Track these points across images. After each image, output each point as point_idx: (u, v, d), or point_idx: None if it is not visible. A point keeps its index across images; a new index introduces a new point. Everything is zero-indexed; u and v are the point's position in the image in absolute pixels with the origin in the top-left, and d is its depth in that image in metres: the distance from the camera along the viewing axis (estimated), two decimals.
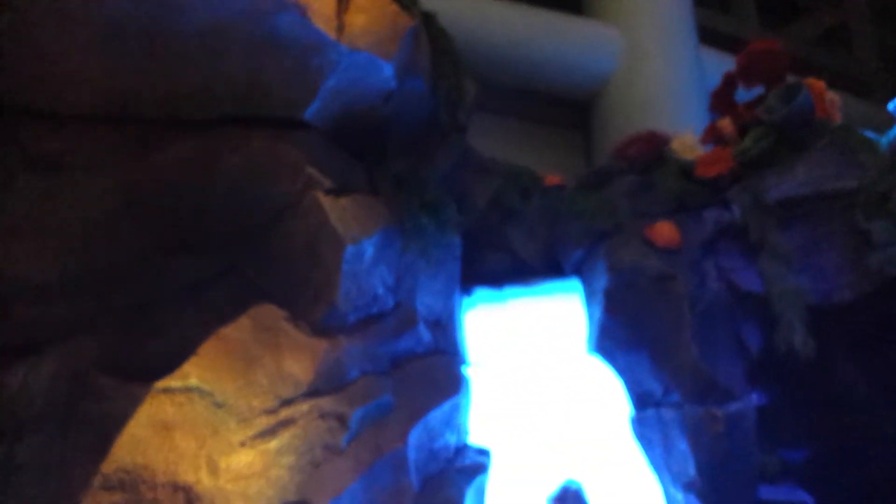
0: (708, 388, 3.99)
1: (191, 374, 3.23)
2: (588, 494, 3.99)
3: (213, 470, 3.14)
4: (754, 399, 4.10)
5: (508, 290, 4.61)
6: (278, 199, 3.47)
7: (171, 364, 3.24)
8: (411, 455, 3.66)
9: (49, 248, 3.28)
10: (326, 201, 3.51)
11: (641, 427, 4.07)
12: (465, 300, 4.59)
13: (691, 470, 3.89)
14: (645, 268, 4.21)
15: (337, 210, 3.55)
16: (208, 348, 3.31)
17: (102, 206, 3.40)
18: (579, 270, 4.58)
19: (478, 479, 3.89)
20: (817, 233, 4.26)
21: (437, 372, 3.96)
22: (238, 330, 3.39)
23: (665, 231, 4.30)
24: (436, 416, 3.84)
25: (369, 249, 3.65)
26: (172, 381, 3.20)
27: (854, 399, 4.31)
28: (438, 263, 4.17)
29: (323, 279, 3.53)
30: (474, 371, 4.22)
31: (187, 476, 3.10)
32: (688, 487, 3.87)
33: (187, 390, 3.21)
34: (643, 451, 4.06)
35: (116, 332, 3.30)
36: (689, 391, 4.00)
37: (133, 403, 3.15)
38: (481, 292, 4.61)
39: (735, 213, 4.41)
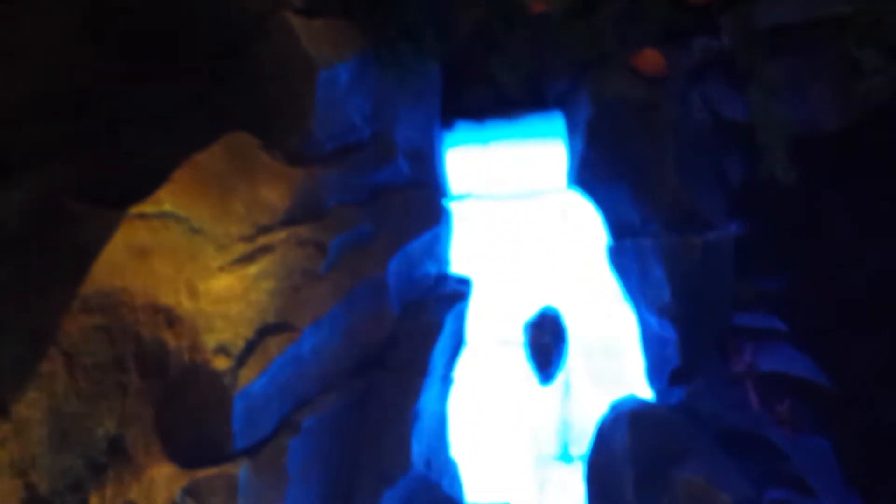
0: (687, 217, 4.01)
1: (165, 200, 3.21)
2: (565, 320, 4.10)
3: (193, 293, 3.18)
4: (733, 228, 4.12)
5: (490, 124, 4.53)
6: (247, 18, 3.33)
7: (144, 190, 3.21)
8: (391, 282, 3.72)
9: (14, 72, 3.18)
10: (297, 22, 3.37)
11: (619, 256, 4.12)
12: (447, 135, 4.52)
13: (666, 296, 3.97)
14: (629, 97, 4.11)
15: (309, 32, 3.41)
16: (182, 175, 3.27)
17: (65, 29, 3.27)
18: (563, 103, 4.48)
19: (458, 306, 3.97)
20: (806, 62, 4.14)
21: (417, 203, 3.96)
22: (211, 157, 3.34)
23: (651, 58, 4.17)
24: (415, 245, 3.88)
25: (344, 75, 3.55)
26: (147, 207, 3.18)
27: (832, 230, 4.34)
28: (417, 94, 4.07)
29: (296, 106, 3.44)
30: (454, 204, 4.22)
31: (167, 299, 3.15)
32: (662, 312, 3.96)
33: (162, 216, 3.20)
34: (619, 280, 4.13)
35: (88, 159, 3.25)
36: (669, 220, 4.01)
37: (108, 229, 3.14)
38: (463, 126, 4.53)
39: (724, 41, 4.26)
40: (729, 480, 3.68)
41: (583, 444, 4.03)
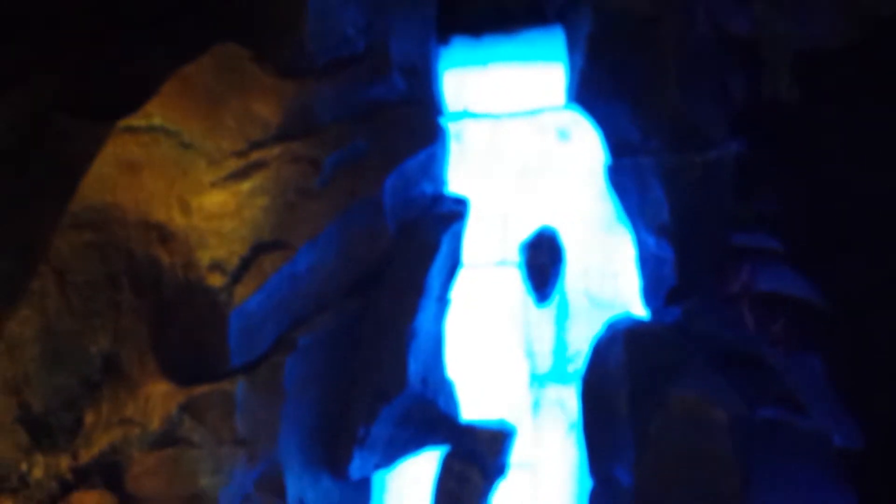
0: (688, 135, 3.93)
1: (154, 113, 3.13)
2: (562, 240, 4.07)
3: (185, 209, 3.13)
4: (734, 147, 4.05)
5: (488, 40, 4.40)
6: None
7: (132, 104, 3.13)
8: (387, 201, 3.66)
9: None
10: None
11: (617, 175, 4.06)
12: (443, 51, 4.39)
13: (665, 215, 3.92)
14: (632, 10, 3.98)
15: None
16: (171, 88, 3.18)
17: None
18: (563, 17, 4.35)
19: (454, 226, 3.93)
20: None
21: (413, 121, 3.87)
22: (201, 70, 3.25)
23: None
24: (411, 164, 3.80)
25: None
26: (135, 121, 3.10)
27: (834, 150, 4.29)
28: (412, 6, 3.94)
29: (288, 15, 3.33)
30: (451, 123, 4.13)
31: (159, 215, 3.10)
32: (660, 232, 3.93)
33: (151, 130, 3.12)
34: (617, 199, 4.08)
35: (74, 71, 3.16)
36: (669, 138, 3.94)
37: (96, 143, 3.08)
38: (459, 42, 4.39)
39: None
40: (723, 397, 3.71)
41: (578, 363, 4.05)
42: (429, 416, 4.00)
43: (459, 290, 4.06)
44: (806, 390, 3.92)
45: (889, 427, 3.77)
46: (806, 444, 3.81)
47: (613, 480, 3.87)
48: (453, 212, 3.98)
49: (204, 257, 3.12)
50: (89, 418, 3.21)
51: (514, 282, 4.09)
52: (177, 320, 3.23)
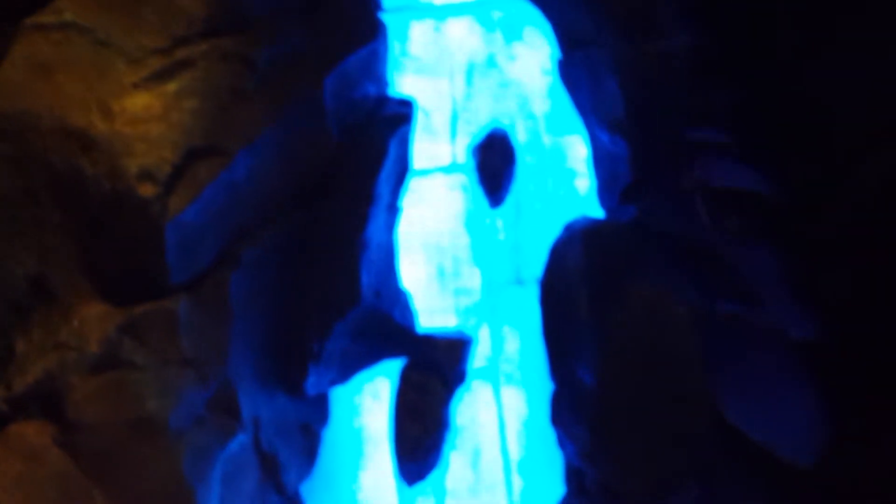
0: (642, 26, 3.77)
1: (65, 9, 2.85)
2: (515, 140, 3.93)
3: (107, 114, 2.87)
4: (687, 37, 3.92)
5: None
6: None
7: None
8: (328, 102, 3.44)
9: None
10: None
11: (569, 69, 3.89)
12: None
13: (619, 110, 3.79)
14: None
15: None
16: None
17: None
18: None
19: (401, 130, 3.73)
20: None
21: (351, 15, 3.60)
22: None
23: None
24: (352, 62, 3.57)
25: None
26: (44, 17, 2.82)
27: (786, 42, 4.20)
28: None
29: None
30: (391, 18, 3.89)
31: (78, 121, 2.84)
32: (614, 127, 3.81)
33: (63, 27, 2.84)
34: (569, 95, 3.93)
35: None
36: (622, 29, 3.77)
37: (2, 45, 2.79)
38: None
39: None
40: (682, 293, 3.68)
41: (536, 266, 3.96)
42: (384, 329, 3.88)
43: (409, 198, 3.92)
44: (761, 284, 3.91)
45: (842, 318, 3.79)
46: (763, 338, 3.82)
47: (575, 382, 3.85)
48: (399, 114, 3.78)
49: (131, 165, 2.87)
50: (20, 346, 3.01)
51: (466, 186, 3.96)
52: (108, 237, 3.00)
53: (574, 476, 4.05)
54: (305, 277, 3.60)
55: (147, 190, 2.88)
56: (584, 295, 3.70)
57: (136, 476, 2.96)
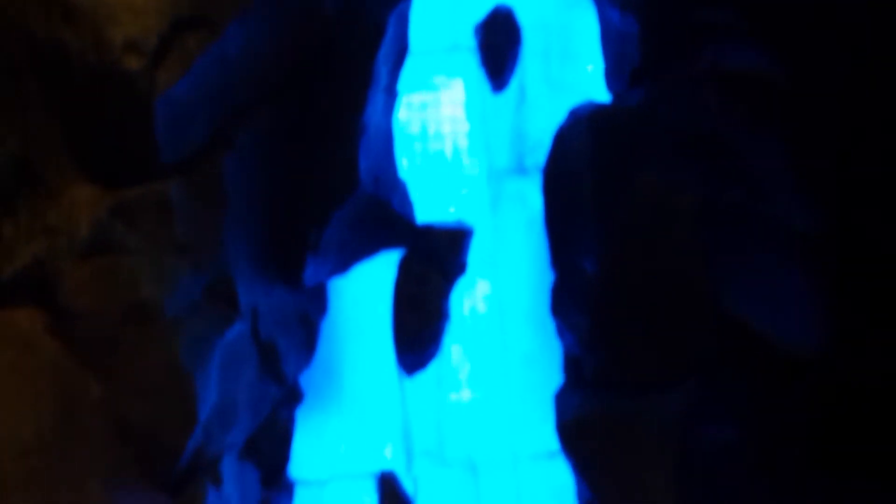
0: None
1: None
2: (520, 19, 3.73)
3: None
4: None
5: None
6: None
7: None
8: None
9: None
10: None
11: None
12: None
13: None
14: None
15: None
16: None
17: None
18: None
19: (400, 6, 3.50)
20: None
21: None
22: None
23: None
24: None
25: None
26: None
27: None
28: None
29: None
30: None
31: None
32: (625, 5, 3.62)
33: None
34: None
35: None
36: None
37: None
38: None
39: None
40: (689, 182, 3.59)
41: (539, 154, 3.83)
42: (383, 218, 3.76)
43: (408, 80, 3.74)
44: (767, 174, 3.82)
45: (847, 212, 3.72)
46: (767, 230, 3.75)
47: (577, 272, 3.79)
48: None
49: (116, 36, 2.68)
50: (7, 230, 2.89)
51: (468, 68, 3.78)
52: (95, 114, 2.84)
53: (572, 366, 4.04)
54: (302, 163, 3.46)
55: (133, 62, 2.71)
56: (588, 182, 3.60)
57: (132, 364, 2.90)
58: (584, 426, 3.84)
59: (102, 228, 2.86)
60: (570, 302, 3.92)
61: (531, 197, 3.85)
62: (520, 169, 3.93)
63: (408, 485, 4.02)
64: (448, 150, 3.88)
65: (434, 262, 3.86)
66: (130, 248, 2.88)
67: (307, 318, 3.74)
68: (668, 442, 3.59)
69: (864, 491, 3.27)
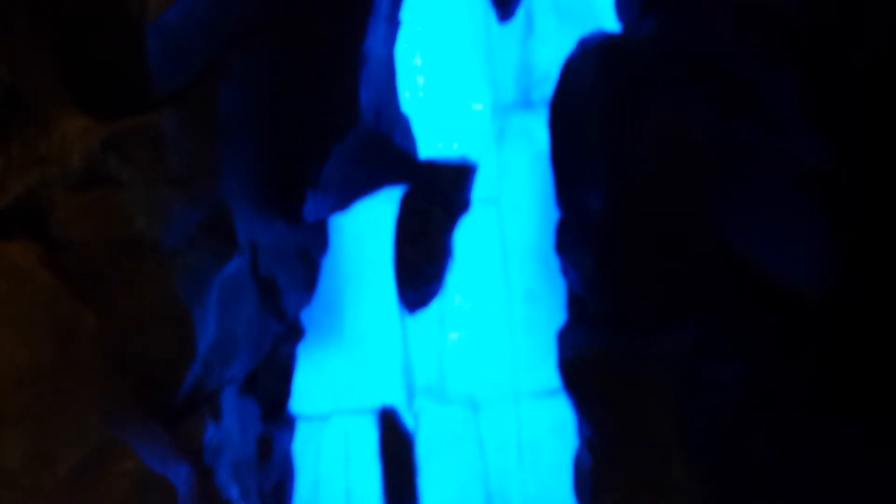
0: None
1: None
2: None
3: None
4: None
5: None
6: None
7: None
8: None
9: None
10: None
11: None
12: None
13: None
14: None
15: None
16: None
17: None
18: None
19: None
20: None
21: None
22: None
23: None
24: None
25: None
26: None
27: None
28: None
29: None
30: None
31: None
32: None
33: None
34: None
35: None
36: None
37: None
38: None
39: None
40: (701, 115, 3.47)
41: (546, 87, 3.71)
42: (385, 153, 3.67)
43: (410, 9, 3.61)
44: (782, 108, 3.70)
45: (858, 148, 3.61)
46: (780, 165, 3.65)
47: (583, 208, 3.71)
48: None
49: None
50: None
51: None
52: (84, 41, 2.75)
53: (576, 304, 3.99)
54: (301, 95, 3.36)
55: None
56: (596, 115, 3.48)
57: (128, 296, 2.86)
58: (585, 364, 3.80)
59: (95, 160, 2.79)
60: (574, 239, 3.84)
61: (537, 132, 3.75)
62: (526, 103, 3.82)
63: (408, 420, 4.05)
64: (452, 84, 3.77)
65: (437, 198, 3.79)
66: (124, 181, 2.82)
67: (308, 255, 3.69)
68: (671, 381, 3.55)
69: (865, 430, 3.25)
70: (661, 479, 3.51)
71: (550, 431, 4.09)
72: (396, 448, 3.98)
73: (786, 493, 3.34)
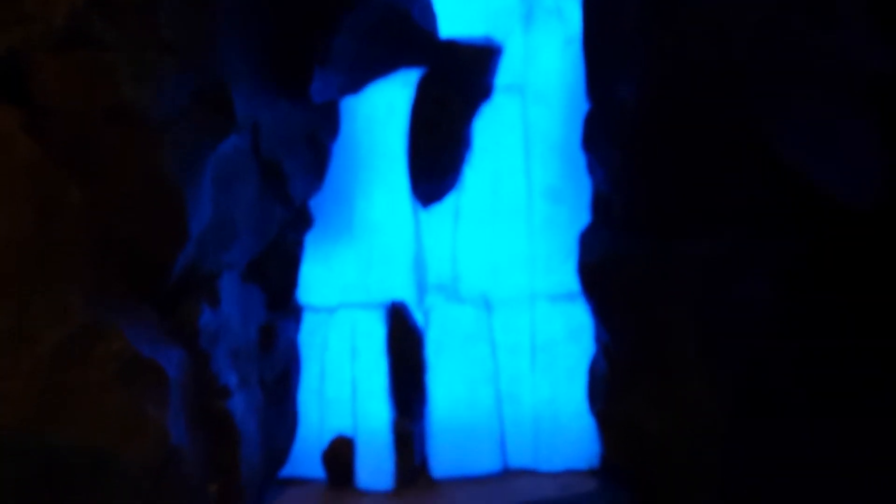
0: None
1: None
2: None
3: None
4: None
5: None
6: None
7: None
8: None
9: None
10: None
11: None
12: None
13: None
14: None
15: None
16: None
17: None
18: None
19: None
20: None
21: None
22: None
23: None
24: None
25: None
26: None
27: None
28: None
29: None
30: None
31: None
32: None
33: None
34: None
35: None
36: None
37: None
38: None
39: None
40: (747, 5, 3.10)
41: None
42: (401, 30, 3.39)
43: None
44: (846, 3, 3.32)
45: None
46: (834, 66, 3.28)
47: (615, 101, 3.40)
48: None
49: None
50: None
51: None
52: None
53: (601, 205, 3.74)
54: None
55: None
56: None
57: (116, 171, 2.67)
58: (608, 268, 3.58)
59: (79, 19, 2.57)
60: (604, 134, 3.55)
61: (570, 12, 3.44)
62: None
63: (418, 317, 3.91)
64: None
65: (456, 83, 3.52)
66: (109, 43, 2.59)
67: (316, 139, 3.47)
68: (696, 293, 3.31)
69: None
70: (678, 394, 3.32)
71: (566, 336, 3.93)
72: (405, 344, 3.85)
73: (806, 423, 3.15)
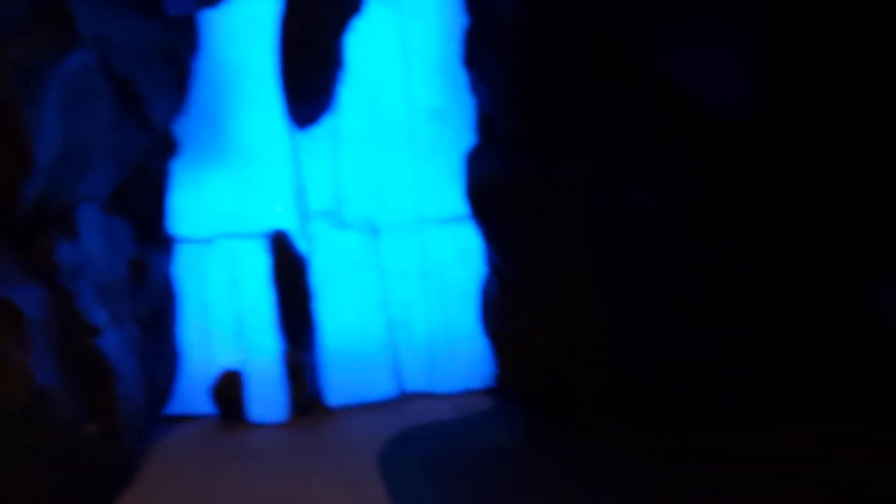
0: None
1: None
2: None
3: None
4: None
5: None
6: None
7: None
8: None
9: None
10: None
11: None
12: None
13: None
14: None
15: None
16: None
17: None
18: None
19: None
20: None
21: None
22: None
23: None
24: None
25: None
26: None
27: None
28: None
29: None
30: None
31: None
32: None
33: None
34: None
35: None
36: None
37: None
38: None
39: None
40: None
41: None
42: None
43: None
44: None
45: None
46: None
47: (494, 14, 3.28)
48: None
49: None
50: None
51: None
52: None
53: (485, 125, 3.65)
54: None
55: None
56: None
57: None
58: (495, 190, 3.52)
59: None
60: (485, 51, 3.44)
61: None
62: None
63: (303, 245, 3.76)
64: None
65: None
66: None
67: (174, 55, 3.21)
68: (582, 208, 3.29)
69: (769, 252, 3.09)
70: (570, 310, 3.32)
71: (456, 259, 3.86)
72: (290, 274, 3.70)
73: (696, 325, 3.21)
